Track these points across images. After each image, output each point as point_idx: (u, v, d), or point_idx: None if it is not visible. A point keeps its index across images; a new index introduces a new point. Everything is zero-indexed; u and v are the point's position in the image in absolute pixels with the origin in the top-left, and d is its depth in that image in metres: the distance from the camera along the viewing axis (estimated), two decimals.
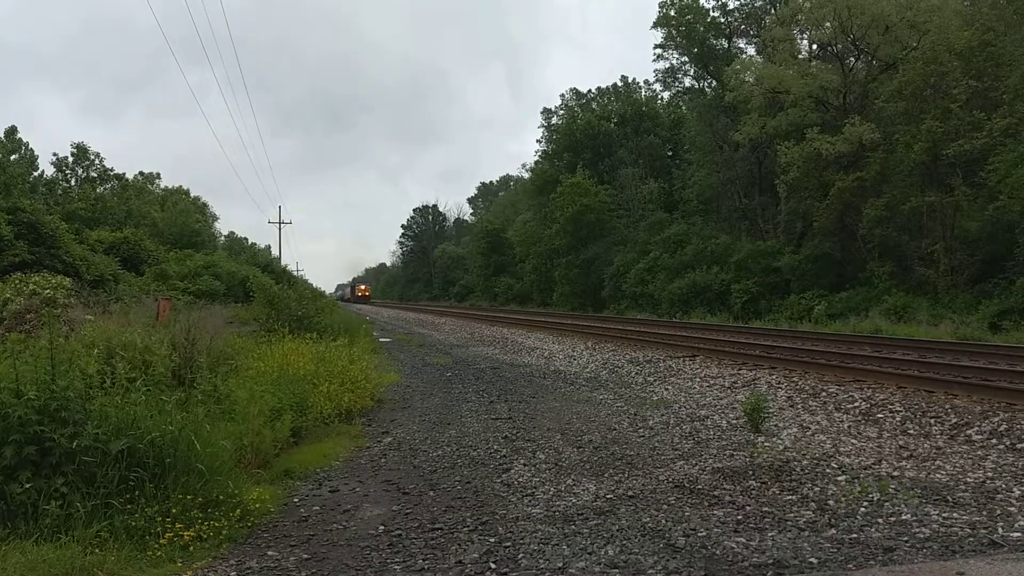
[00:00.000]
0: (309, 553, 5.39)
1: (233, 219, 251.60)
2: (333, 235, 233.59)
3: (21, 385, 5.67)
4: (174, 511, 5.54)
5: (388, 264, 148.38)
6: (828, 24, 33.84)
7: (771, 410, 9.61)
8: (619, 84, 64.87)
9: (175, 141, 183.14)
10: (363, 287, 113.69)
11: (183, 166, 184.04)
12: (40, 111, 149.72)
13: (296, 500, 6.73)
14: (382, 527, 5.90)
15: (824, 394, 11.15)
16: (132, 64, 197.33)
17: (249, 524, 5.85)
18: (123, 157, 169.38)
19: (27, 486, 5.27)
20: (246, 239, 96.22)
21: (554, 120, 68.19)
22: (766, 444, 8.25)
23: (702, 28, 46.83)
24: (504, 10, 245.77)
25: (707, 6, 46.99)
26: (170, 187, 71.26)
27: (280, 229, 63.53)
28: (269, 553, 5.38)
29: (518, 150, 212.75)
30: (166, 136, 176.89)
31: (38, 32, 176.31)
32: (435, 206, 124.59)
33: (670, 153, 58.29)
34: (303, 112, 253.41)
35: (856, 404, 10.27)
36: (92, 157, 57.54)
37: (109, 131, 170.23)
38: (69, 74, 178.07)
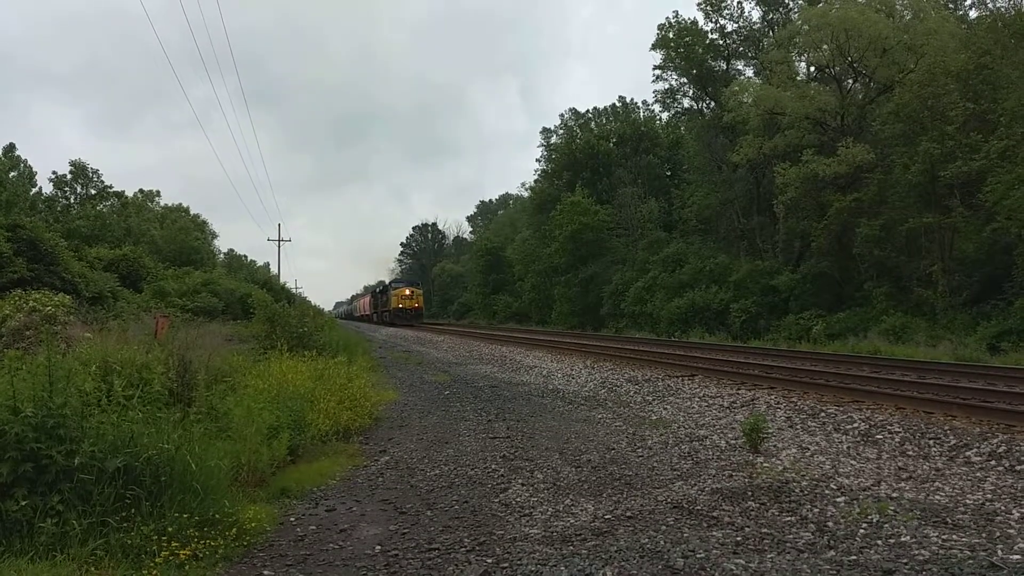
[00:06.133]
0: (305, 573, 5.36)
1: (235, 235, 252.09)
2: (335, 253, 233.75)
3: (18, 402, 5.66)
4: (170, 529, 5.51)
5: (387, 281, 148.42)
6: (826, 46, 34.12)
7: (770, 430, 9.59)
8: (617, 105, 65.27)
9: (182, 156, 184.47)
10: (408, 291, 63.35)
11: (187, 182, 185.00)
12: (49, 124, 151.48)
13: (292, 519, 6.69)
14: (379, 547, 5.87)
15: (823, 415, 11.12)
16: (145, 79, 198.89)
17: (245, 543, 5.82)
18: (131, 171, 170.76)
19: (23, 503, 5.24)
20: (245, 256, 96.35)
21: (553, 139, 68.58)
22: (765, 465, 8.23)
23: (700, 50, 47.21)
24: (521, 27, 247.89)
25: (705, 28, 47.45)
26: (170, 204, 71.58)
27: (279, 247, 63.60)
28: (265, 573, 5.35)
29: (532, 167, 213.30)
30: (174, 152, 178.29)
31: (52, 45, 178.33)
32: (434, 224, 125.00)
33: (669, 173, 58.57)
34: (311, 130, 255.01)
35: (855, 425, 10.26)
36: (91, 175, 57.79)
37: (120, 142, 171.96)
38: (81, 88, 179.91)
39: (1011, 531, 5.69)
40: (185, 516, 5.69)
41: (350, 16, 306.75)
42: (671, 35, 47.60)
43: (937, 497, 6.72)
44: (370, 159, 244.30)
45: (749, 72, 47.28)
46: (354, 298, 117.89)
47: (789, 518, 6.26)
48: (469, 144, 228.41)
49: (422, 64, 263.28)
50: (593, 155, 60.27)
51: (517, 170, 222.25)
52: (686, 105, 51.91)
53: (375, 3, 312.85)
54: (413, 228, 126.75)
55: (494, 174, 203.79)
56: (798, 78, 38.48)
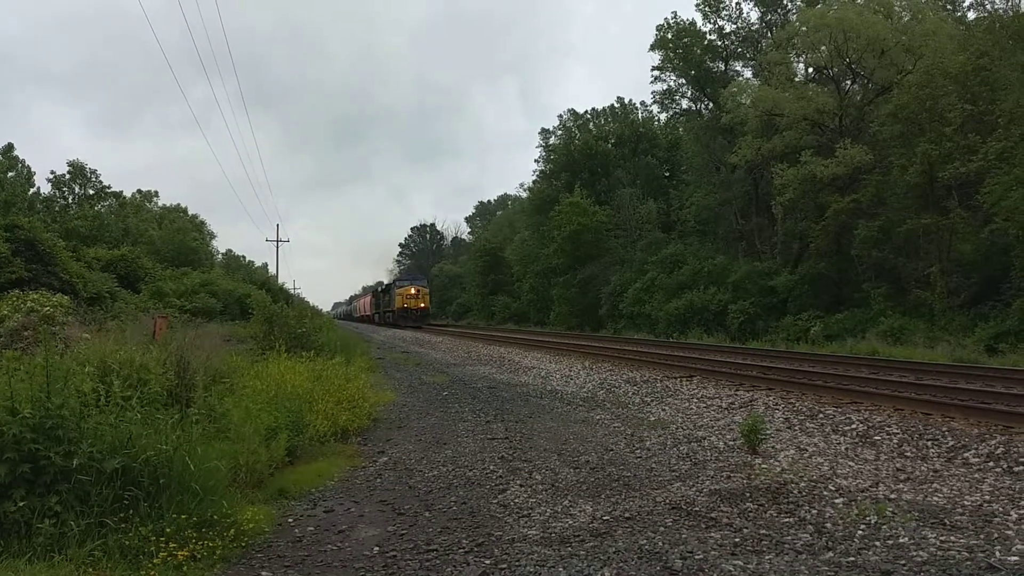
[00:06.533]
0: (303, 574, 5.37)
1: (233, 236, 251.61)
2: (333, 254, 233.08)
3: (16, 403, 5.65)
4: (168, 530, 5.51)
5: (386, 282, 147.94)
6: (824, 48, 34.15)
7: (768, 431, 9.59)
8: (616, 105, 65.30)
9: (181, 157, 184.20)
10: (413, 290, 58.17)
11: (186, 182, 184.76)
12: (49, 124, 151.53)
13: (291, 520, 6.69)
14: (377, 548, 5.87)
15: (821, 416, 11.13)
16: (145, 79, 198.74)
17: (243, 544, 5.82)
18: (130, 171, 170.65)
19: (21, 504, 5.24)
20: (243, 257, 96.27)
21: (552, 140, 68.61)
22: (763, 466, 8.23)
23: (699, 51, 47.25)
24: (520, 28, 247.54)
25: (704, 29, 47.48)
26: (168, 205, 71.54)
27: (277, 247, 63.59)
28: (263, 574, 5.35)
29: (532, 168, 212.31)
30: (173, 152, 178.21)
31: (52, 45, 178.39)
32: (433, 225, 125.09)
33: (667, 174, 58.57)
34: (311, 130, 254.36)
35: (853, 426, 10.26)
36: (89, 175, 57.80)
37: (120, 143, 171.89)
38: (81, 88, 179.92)
39: (1009, 532, 5.69)
40: (183, 517, 5.68)
41: (349, 17, 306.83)
42: (669, 36, 47.63)
43: (935, 498, 6.73)
44: (369, 160, 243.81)
45: (747, 73, 47.41)
46: (353, 298, 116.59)
47: (787, 519, 6.26)
48: (469, 145, 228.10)
49: (421, 65, 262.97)
50: (591, 156, 60.30)
51: (517, 171, 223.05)
52: (684, 106, 52.00)
53: (374, 4, 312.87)
54: (411, 229, 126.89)
55: (494, 175, 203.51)
56: (796, 79, 38.51)
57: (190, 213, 73.02)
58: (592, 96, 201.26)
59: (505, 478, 8.10)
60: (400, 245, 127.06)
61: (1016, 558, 5.12)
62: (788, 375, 15.93)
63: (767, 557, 5.34)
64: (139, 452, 5.90)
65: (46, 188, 56.88)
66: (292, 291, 70.56)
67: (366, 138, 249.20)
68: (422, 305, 58.23)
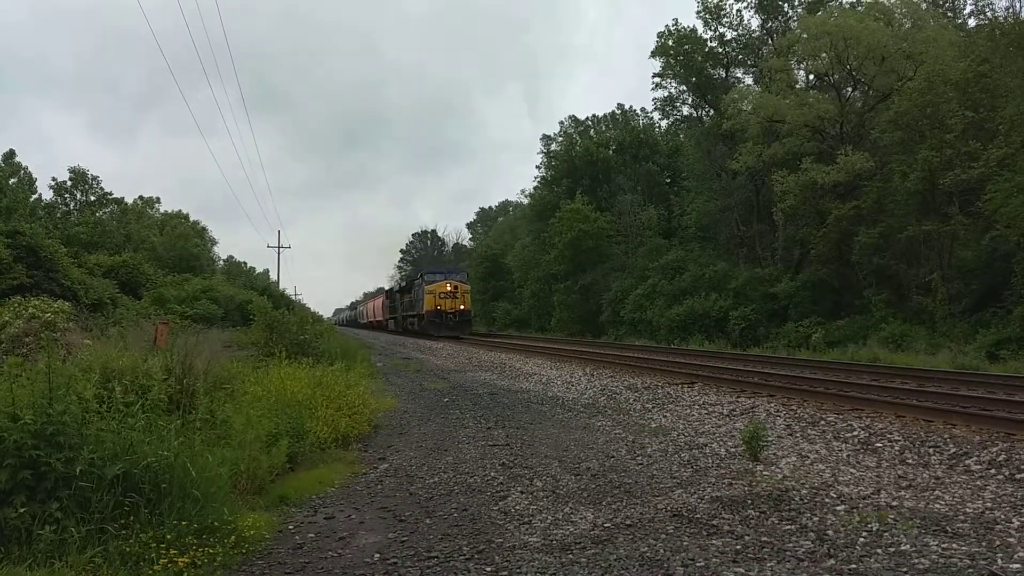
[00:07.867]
0: None
1: (235, 241, 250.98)
2: (335, 259, 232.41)
3: (17, 409, 5.66)
4: (169, 537, 5.51)
5: (387, 288, 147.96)
6: (824, 55, 34.19)
7: (770, 438, 9.58)
8: (616, 112, 65.39)
9: (183, 161, 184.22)
10: (449, 286, 45.66)
11: (187, 187, 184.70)
12: (50, 128, 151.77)
13: (291, 527, 6.68)
14: (377, 555, 5.86)
15: (823, 423, 11.12)
16: (147, 83, 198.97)
17: (244, 551, 5.81)
18: (131, 176, 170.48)
19: (21, 511, 5.24)
20: (245, 263, 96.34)
21: (553, 147, 68.67)
22: (765, 473, 8.22)
23: (700, 58, 47.32)
24: (524, 31, 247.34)
25: (705, 36, 47.57)
26: (170, 211, 71.61)
27: (279, 253, 63.54)
28: None
29: (535, 173, 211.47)
30: (174, 157, 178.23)
31: (52, 47, 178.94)
32: (434, 231, 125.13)
33: (668, 180, 58.59)
34: (313, 135, 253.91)
35: (855, 433, 10.25)
36: (90, 181, 57.97)
37: (122, 147, 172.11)
38: (83, 91, 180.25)
39: (1011, 540, 5.68)
40: (184, 523, 5.69)
41: (353, 20, 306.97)
42: (670, 43, 47.72)
43: (937, 506, 6.72)
44: (371, 164, 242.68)
45: (748, 80, 47.43)
46: (356, 303, 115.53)
47: (789, 526, 6.25)
48: (472, 149, 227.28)
49: (425, 68, 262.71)
50: (592, 162, 60.30)
51: (520, 176, 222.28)
52: (685, 113, 52.05)
53: (377, 6, 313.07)
54: (413, 235, 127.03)
55: (496, 180, 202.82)
56: (797, 86, 38.56)
57: (191, 219, 73.16)
58: (592, 101, 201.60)
59: (506, 485, 8.09)
60: (401, 251, 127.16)
61: (1018, 565, 5.11)
62: (789, 382, 15.91)
63: (769, 564, 5.33)
64: (140, 458, 5.91)
65: (48, 194, 57.09)
66: (293, 297, 70.54)
67: (368, 141, 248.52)
68: (462, 307, 45.62)
